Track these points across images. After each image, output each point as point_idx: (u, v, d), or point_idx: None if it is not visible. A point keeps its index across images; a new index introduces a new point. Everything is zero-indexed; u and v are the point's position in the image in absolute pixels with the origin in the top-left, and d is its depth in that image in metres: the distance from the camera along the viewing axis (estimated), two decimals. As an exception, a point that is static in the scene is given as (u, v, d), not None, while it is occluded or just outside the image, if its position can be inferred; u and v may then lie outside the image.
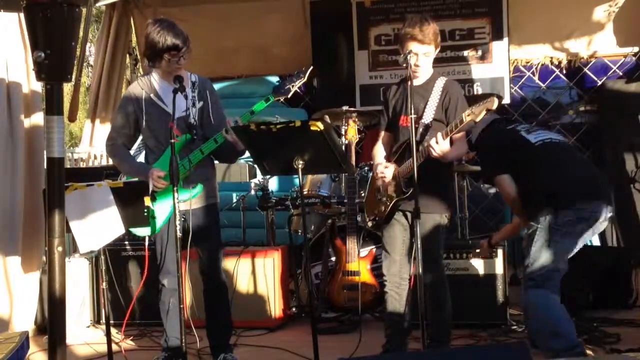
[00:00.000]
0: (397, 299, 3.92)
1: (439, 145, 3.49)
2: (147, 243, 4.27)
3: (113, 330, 4.15)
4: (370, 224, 4.13)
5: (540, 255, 3.65)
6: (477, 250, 4.67)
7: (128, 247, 5.13)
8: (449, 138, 3.54)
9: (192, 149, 3.93)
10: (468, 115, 3.41)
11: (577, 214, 3.64)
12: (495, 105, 3.33)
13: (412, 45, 3.68)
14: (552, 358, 3.54)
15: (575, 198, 3.67)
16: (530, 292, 3.68)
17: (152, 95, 3.99)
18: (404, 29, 3.73)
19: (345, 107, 5.09)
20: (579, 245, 3.70)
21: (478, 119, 3.42)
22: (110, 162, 6.83)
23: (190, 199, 3.90)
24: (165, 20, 3.95)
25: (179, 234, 3.60)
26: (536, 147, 3.85)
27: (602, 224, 3.71)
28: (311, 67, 4.04)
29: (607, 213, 3.68)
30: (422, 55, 3.70)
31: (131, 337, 4.76)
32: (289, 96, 4.03)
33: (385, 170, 3.81)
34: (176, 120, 3.81)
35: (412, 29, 3.68)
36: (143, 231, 3.90)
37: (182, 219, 3.82)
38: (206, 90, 4.07)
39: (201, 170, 4.01)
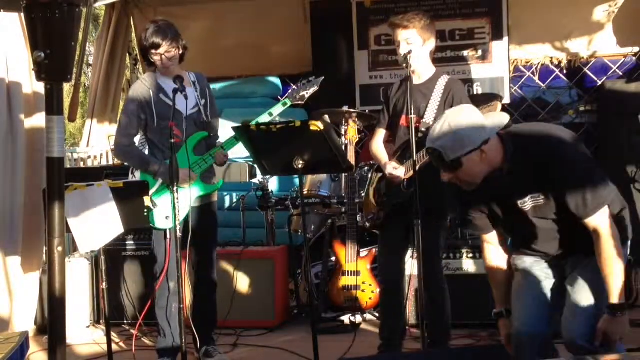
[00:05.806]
0: (391, 300, 3.90)
1: None
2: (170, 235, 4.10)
3: (113, 331, 4.14)
4: (368, 224, 4.12)
5: None
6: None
7: (128, 247, 5.12)
8: None
9: (207, 145, 4.03)
10: None
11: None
12: (498, 110, 3.35)
13: (396, 34, 3.71)
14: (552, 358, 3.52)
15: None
16: None
17: (160, 94, 4.02)
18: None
19: (345, 108, 5.08)
20: None
21: None
22: (110, 162, 6.86)
23: (211, 192, 4.08)
24: (159, 21, 4.04)
25: (179, 233, 3.61)
26: None
27: None
28: (322, 77, 4.16)
29: None
30: (403, 42, 3.69)
31: (133, 337, 4.76)
32: (302, 102, 4.17)
33: (394, 171, 3.75)
34: (186, 119, 3.93)
35: (395, 18, 3.74)
36: (166, 223, 3.91)
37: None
38: (205, 88, 4.16)
39: (210, 168, 4.12)
